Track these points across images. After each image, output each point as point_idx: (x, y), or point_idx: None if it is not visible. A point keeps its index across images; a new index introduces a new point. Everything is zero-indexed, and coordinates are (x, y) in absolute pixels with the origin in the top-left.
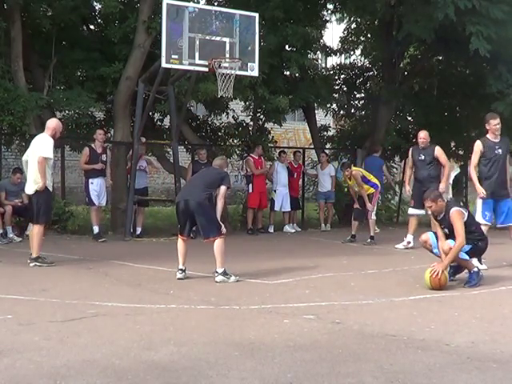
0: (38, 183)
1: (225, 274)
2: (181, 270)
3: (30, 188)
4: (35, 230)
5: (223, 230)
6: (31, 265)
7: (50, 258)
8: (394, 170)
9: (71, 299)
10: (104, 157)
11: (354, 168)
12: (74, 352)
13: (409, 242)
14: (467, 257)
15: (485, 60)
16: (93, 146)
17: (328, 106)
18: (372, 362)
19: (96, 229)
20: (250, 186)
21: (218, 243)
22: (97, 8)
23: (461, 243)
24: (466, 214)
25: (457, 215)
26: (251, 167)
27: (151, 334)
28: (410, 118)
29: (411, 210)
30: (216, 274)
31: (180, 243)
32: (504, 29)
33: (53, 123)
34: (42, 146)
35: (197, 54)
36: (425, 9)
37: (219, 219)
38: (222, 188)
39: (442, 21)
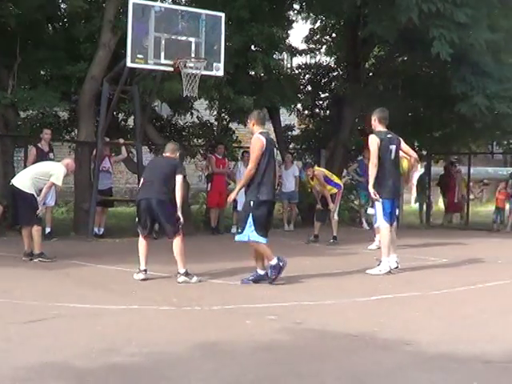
0: (32, 191)
1: (187, 274)
2: (142, 270)
3: (24, 186)
4: (36, 230)
5: (181, 221)
6: (35, 260)
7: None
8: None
9: (32, 300)
10: (51, 155)
11: (316, 168)
12: (35, 354)
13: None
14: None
15: (449, 62)
16: (39, 145)
17: (292, 106)
18: (334, 362)
19: (47, 229)
20: (209, 184)
21: (177, 244)
22: (62, 7)
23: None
24: None
25: None
26: (212, 165)
27: (113, 335)
28: None
29: (370, 210)
30: (178, 275)
31: (141, 243)
32: (467, 32)
33: (67, 161)
34: (56, 174)
35: (162, 54)
36: (389, 10)
37: (180, 210)
38: (178, 178)
39: (405, 23)
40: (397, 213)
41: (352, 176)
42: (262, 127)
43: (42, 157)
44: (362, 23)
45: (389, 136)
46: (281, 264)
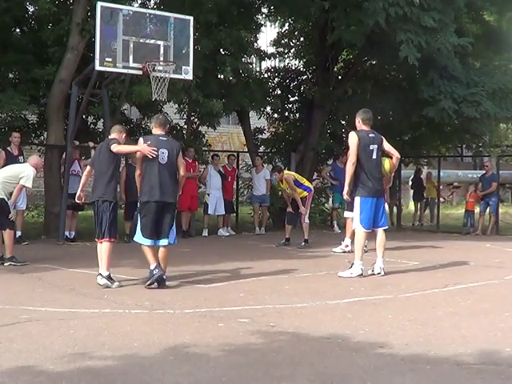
0: (2, 195)
1: (109, 278)
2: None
3: None
4: (8, 234)
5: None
6: (6, 264)
7: None
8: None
9: (4, 304)
10: (21, 158)
11: (286, 172)
12: (7, 358)
13: (347, 246)
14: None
15: (417, 66)
16: (9, 148)
17: (262, 109)
18: (307, 365)
19: (18, 233)
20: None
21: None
22: (30, 10)
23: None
24: None
25: None
26: None
27: (85, 339)
28: (343, 122)
29: (347, 213)
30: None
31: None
32: (435, 36)
33: (34, 160)
34: (26, 177)
35: (131, 57)
36: (356, 14)
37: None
38: (111, 147)
39: (372, 27)
40: (381, 212)
41: (326, 179)
42: (161, 130)
43: (11, 160)
44: (330, 27)
45: (370, 135)
46: (154, 272)
